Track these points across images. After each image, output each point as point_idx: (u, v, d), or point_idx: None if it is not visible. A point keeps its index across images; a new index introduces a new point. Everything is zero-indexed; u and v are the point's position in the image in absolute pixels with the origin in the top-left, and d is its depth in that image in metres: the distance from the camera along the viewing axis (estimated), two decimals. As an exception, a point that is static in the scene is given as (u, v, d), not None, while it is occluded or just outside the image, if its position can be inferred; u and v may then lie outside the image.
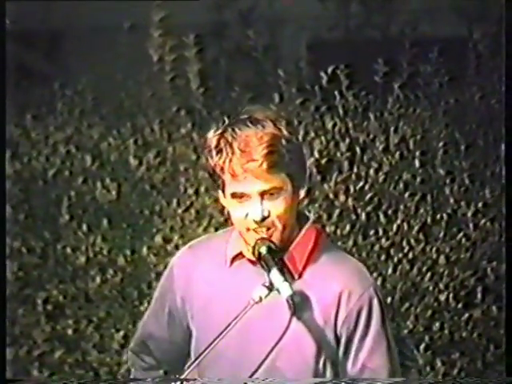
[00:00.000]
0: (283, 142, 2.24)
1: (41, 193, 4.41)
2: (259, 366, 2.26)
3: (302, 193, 2.29)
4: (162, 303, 2.44)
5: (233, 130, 2.24)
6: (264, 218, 2.23)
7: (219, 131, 2.26)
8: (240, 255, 2.34)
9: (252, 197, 2.23)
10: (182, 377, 2.23)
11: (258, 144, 2.22)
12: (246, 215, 2.24)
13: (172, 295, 2.42)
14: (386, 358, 2.32)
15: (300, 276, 2.29)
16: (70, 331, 4.21)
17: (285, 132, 2.25)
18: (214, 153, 2.25)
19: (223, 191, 2.28)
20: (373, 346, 2.30)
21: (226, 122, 2.27)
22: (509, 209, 3.91)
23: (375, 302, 2.30)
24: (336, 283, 2.30)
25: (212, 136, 2.27)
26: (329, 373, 2.31)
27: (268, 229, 2.25)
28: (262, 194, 2.23)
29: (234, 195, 2.25)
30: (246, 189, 2.23)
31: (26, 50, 5.51)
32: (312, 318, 2.28)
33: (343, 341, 2.30)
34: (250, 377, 2.28)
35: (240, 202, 2.24)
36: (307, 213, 2.38)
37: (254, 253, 2.26)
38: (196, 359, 2.25)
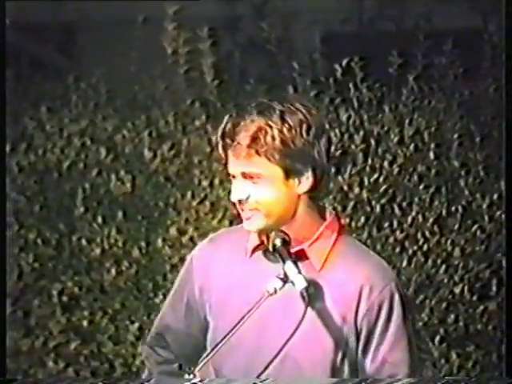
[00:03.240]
0: (274, 132, 2.29)
1: (56, 185, 4.42)
2: (273, 359, 2.26)
3: (305, 186, 2.30)
4: (181, 294, 2.45)
5: (239, 118, 2.33)
6: (239, 200, 2.31)
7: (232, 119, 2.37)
8: (261, 245, 2.36)
9: (236, 178, 2.32)
10: (196, 369, 2.23)
11: (244, 130, 2.30)
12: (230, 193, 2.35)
13: (190, 286, 2.43)
14: (406, 353, 2.32)
15: (322, 268, 2.30)
16: (85, 323, 4.22)
17: (278, 123, 2.29)
18: (220, 140, 2.35)
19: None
20: (394, 340, 2.31)
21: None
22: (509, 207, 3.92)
23: (396, 297, 2.31)
24: (358, 277, 2.31)
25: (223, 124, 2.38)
26: (346, 366, 2.31)
27: (250, 211, 2.31)
28: (245, 176, 2.31)
29: (228, 174, 2.36)
30: (231, 169, 2.33)
31: (40, 44, 5.52)
32: (332, 311, 2.28)
33: (363, 334, 2.30)
34: (265, 369, 2.28)
35: (232, 183, 2.35)
36: (328, 207, 2.39)
37: (268, 244, 2.29)
38: (210, 352, 2.25)
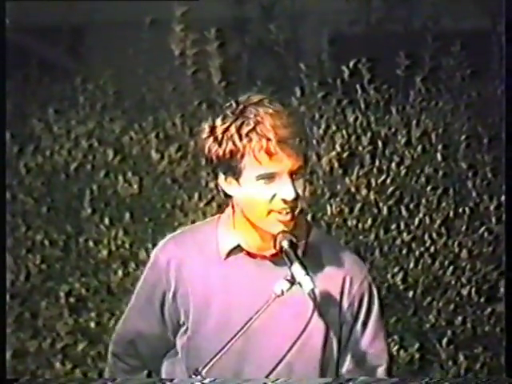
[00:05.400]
0: (294, 118, 2.21)
1: (63, 186, 4.43)
2: (278, 363, 2.26)
3: None
4: (150, 299, 2.35)
5: (256, 110, 2.19)
6: (297, 197, 2.18)
7: (236, 115, 2.19)
8: (238, 248, 2.29)
9: (282, 176, 2.18)
10: (204, 371, 2.23)
11: (286, 122, 2.18)
12: (273, 196, 2.19)
13: (161, 290, 2.33)
14: (385, 343, 2.34)
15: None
16: (92, 324, 4.23)
17: (286, 110, 2.20)
18: (236, 136, 2.18)
19: (238, 177, 2.22)
20: (375, 331, 2.32)
21: (234, 106, 2.20)
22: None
23: (374, 288, 2.32)
24: (337, 270, 2.30)
25: (230, 121, 2.20)
26: (333, 361, 2.30)
27: (292, 210, 2.20)
28: (291, 174, 2.19)
29: (261, 177, 2.18)
30: (278, 168, 2.17)
31: (48, 45, 5.53)
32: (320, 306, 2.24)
33: (346, 327, 2.30)
34: (270, 374, 2.27)
35: (267, 184, 2.18)
36: None
37: (275, 246, 2.25)
38: (216, 355, 2.23)
